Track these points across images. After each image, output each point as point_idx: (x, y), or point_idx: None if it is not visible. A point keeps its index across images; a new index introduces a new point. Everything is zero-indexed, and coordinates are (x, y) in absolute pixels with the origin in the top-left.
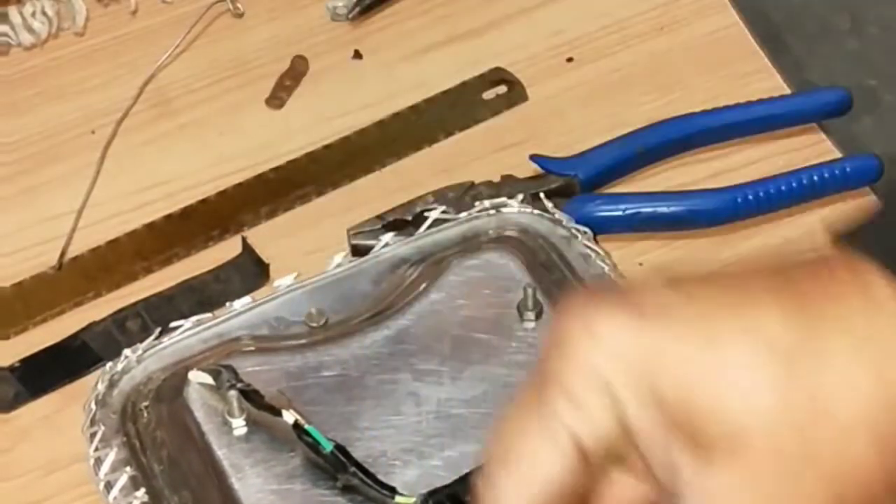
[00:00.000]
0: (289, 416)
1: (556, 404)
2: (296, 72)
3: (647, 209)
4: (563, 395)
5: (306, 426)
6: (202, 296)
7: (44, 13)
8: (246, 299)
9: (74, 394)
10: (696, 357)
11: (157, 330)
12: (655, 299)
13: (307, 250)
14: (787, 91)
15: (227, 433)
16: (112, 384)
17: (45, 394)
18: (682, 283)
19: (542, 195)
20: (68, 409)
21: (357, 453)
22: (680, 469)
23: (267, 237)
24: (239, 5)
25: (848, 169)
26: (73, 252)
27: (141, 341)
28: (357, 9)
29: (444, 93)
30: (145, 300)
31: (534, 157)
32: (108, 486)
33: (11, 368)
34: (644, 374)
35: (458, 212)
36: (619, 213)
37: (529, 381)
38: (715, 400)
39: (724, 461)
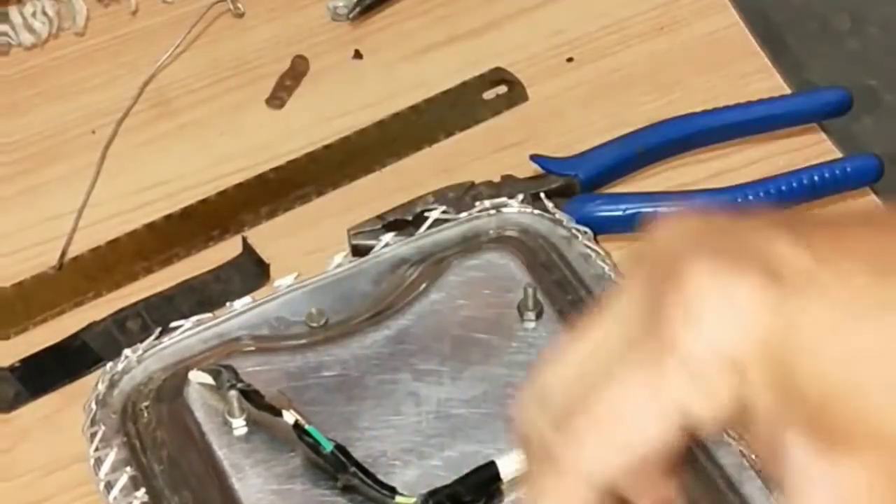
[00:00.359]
0: (289, 417)
1: (675, 373)
2: (296, 72)
3: (647, 209)
4: (685, 365)
5: (306, 426)
6: (202, 296)
7: (44, 13)
8: (246, 299)
9: (75, 394)
10: (839, 341)
11: (158, 330)
12: (796, 264)
13: (307, 250)
14: (787, 91)
15: (227, 433)
16: (112, 384)
17: (46, 394)
18: (816, 236)
19: (542, 195)
20: (68, 408)
21: (357, 453)
22: (794, 453)
23: (267, 237)
24: (239, 5)
25: (848, 169)
26: (73, 252)
27: (141, 341)
28: (357, 9)
29: (445, 93)
30: (145, 300)
31: (534, 157)
32: (109, 486)
33: (12, 368)
34: (781, 357)
35: (459, 212)
36: (619, 213)
37: (639, 328)
38: (857, 391)
39: (854, 456)
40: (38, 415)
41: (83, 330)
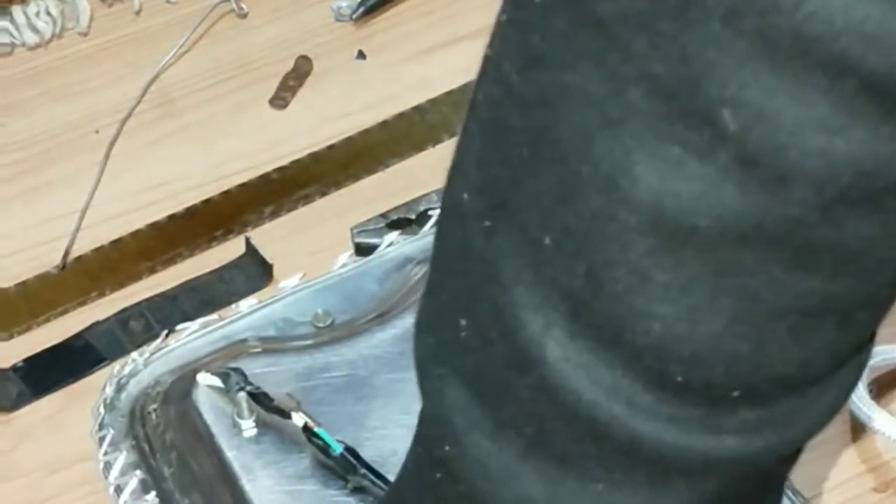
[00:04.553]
0: (298, 419)
1: None
2: (299, 72)
3: None
4: None
5: (316, 429)
6: (206, 296)
7: (48, 13)
8: (251, 300)
9: (78, 393)
10: None
11: (164, 333)
12: None
13: (311, 250)
14: None
15: (236, 435)
16: (119, 388)
17: (49, 393)
18: None
19: None
20: (71, 408)
21: (367, 453)
22: None
23: (270, 237)
24: (243, 5)
25: None
26: (76, 252)
27: (144, 341)
28: (361, 9)
29: (448, 93)
30: (149, 300)
31: None
32: (119, 489)
33: (15, 368)
34: None
35: None
36: None
37: None
38: None
39: None
40: (41, 414)
41: (86, 330)
